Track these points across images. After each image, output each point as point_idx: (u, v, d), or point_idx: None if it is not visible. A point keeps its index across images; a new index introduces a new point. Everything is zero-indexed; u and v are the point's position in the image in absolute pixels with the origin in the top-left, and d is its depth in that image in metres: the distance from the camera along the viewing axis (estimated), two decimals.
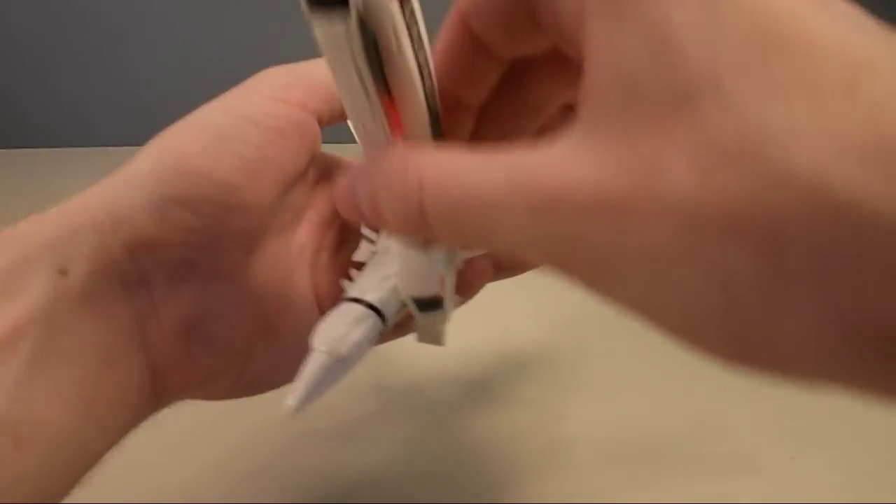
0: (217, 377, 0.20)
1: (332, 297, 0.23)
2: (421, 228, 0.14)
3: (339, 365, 0.20)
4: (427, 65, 0.16)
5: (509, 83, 0.17)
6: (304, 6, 0.13)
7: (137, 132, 1.12)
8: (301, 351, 0.21)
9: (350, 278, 0.23)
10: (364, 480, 0.29)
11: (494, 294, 0.26)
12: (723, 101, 0.10)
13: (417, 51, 0.15)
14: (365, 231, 0.25)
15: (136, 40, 1.30)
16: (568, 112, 0.18)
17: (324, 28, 0.13)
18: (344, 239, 0.25)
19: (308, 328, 0.22)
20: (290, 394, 0.20)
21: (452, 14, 0.16)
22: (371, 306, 0.21)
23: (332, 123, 0.22)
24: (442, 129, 0.17)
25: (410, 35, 0.14)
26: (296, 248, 0.23)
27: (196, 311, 0.19)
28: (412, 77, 0.15)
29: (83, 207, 0.18)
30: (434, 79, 0.16)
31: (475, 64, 0.16)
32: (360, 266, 0.24)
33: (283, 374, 0.22)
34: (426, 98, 0.16)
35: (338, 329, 0.21)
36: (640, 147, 0.11)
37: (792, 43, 0.10)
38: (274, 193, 0.20)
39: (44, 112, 1.31)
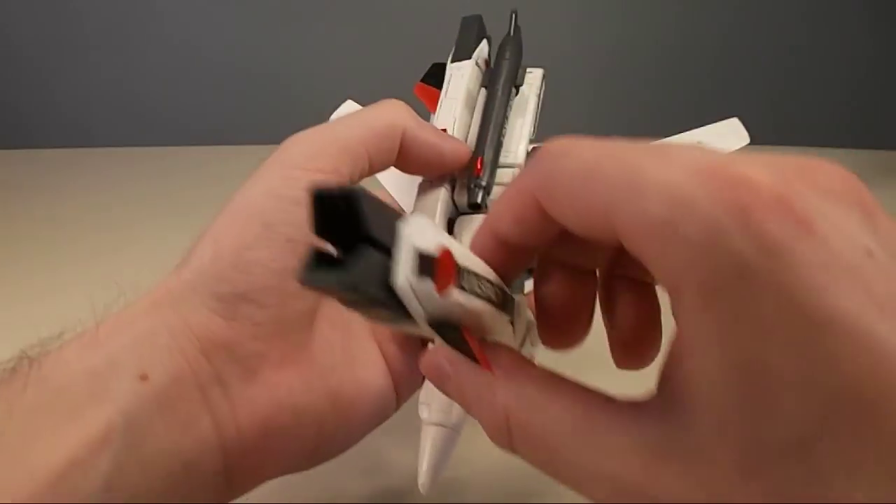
0: (291, 463, 0.21)
1: (395, 338, 0.23)
2: (508, 448, 0.15)
3: (454, 433, 0.22)
4: (493, 288, 0.16)
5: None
6: (361, 317, 0.14)
7: (138, 133, 1.11)
8: (371, 406, 0.22)
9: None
10: (363, 481, 0.30)
11: None
12: (809, 470, 0.11)
13: (482, 291, 0.15)
14: None
15: (136, 42, 1.30)
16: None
17: (392, 326, 0.14)
18: None
19: (377, 380, 0.22)
20: (421, 475, 0.21)
21: (522, 186, 0.16)
22: None
23: (360, 180, 0.22)
24: (506, 286, 0.18)
25: (474, 292, 0.15)
26: None
27: (270, 406, 0.19)
28: (482, 312, 0.16)
29: (155, 309, 0.19)
30: (496, 281, 0.17)
31: (542, 227, 0.16)
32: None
33: (354, 436, 0.22)
34: (495, 307, 0.16)
35: (442, 400, 0.22)
36: (723, 485, 0.12)
37: (884, 416, 0.11)
38: None
39: (45, 113, 1.31)
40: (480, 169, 0.23)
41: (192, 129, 1.12)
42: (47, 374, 0.17)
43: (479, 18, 0.31)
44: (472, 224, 0.23)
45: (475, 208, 0.23)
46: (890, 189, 0.67)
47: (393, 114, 0.22)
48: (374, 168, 0.22)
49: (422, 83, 0.29)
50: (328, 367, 0.21)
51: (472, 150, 0.24)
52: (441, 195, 0.24)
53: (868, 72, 1.31)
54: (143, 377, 0.17)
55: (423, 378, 0.24)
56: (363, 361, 0.22)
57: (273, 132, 0.31)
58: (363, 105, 0.34)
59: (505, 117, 0.25)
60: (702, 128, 0.30)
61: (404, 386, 0.23)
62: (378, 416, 0.22)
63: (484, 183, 0.23)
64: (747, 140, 0.29)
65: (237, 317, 0.19)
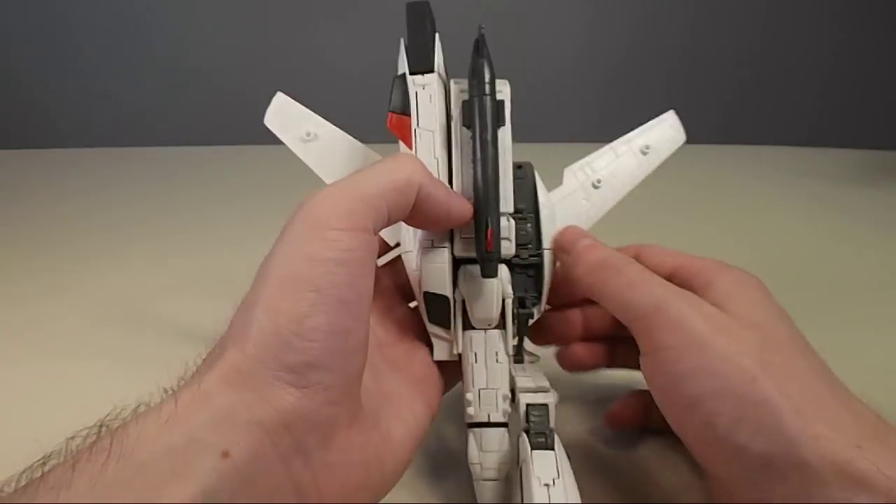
0: None
1: (418, 358, 0.26)
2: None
3: (504, 483, 0.24)
4: None
5: None
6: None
7: (138, 133, 1.11)
8: (416, 433, 0.23)
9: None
10: None
11: None
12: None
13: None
14: (432, 329, 0.26)
15: (136, 42, 1.30)
16: None
17: None
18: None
19: (414, 407, 0.24)
20: None
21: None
22: (500, 424, 0.24)
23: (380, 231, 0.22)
24: None
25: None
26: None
27: (346, 467, 0.20)
28: None
29: (228, 387, 0.19)
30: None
31: None
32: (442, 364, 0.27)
33: (407, 464, 0.23)
34: None
35: (491, 459, 0.24)
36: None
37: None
38: (369, 318, 0.21)
39: (45, 113, 1.31)
40: (491, 242, 0.23)
41: (192, 129, 1.12)
42: (128, 450, 0.17)
43: (426, 5, 0.27)
44: (475, 273, 0.25)
45: (489, 277, 0.24)
46: (890, 189, 0.67)
47: (411, 170, 0.22)
48: (390, 221, 0.22)
49: (392, 113, 0.26)
50: (375, 413, 0.22)
51: (471, 203, 0.24)
52: (446, 258, 0.25)
53: (869, 72, 1.31)
54: (225, 454, 0.17)
55: (448, 384, 0.27)
56: (397, 395, 0.24)
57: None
58: (294, 98, 0.31)
59: (497, 167, 0.24)
60: (640, 128, 0.31)
61: (434, 398, 0.25)
62: (422, 438, 0.24)
63: (495, 253, 0.23)
64: (683, 138, 0.31)
65: (310, 385, 0.19)
